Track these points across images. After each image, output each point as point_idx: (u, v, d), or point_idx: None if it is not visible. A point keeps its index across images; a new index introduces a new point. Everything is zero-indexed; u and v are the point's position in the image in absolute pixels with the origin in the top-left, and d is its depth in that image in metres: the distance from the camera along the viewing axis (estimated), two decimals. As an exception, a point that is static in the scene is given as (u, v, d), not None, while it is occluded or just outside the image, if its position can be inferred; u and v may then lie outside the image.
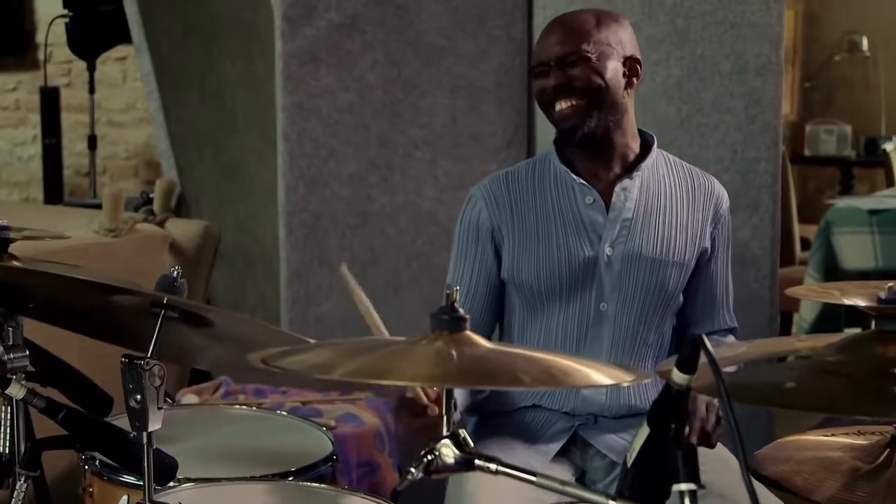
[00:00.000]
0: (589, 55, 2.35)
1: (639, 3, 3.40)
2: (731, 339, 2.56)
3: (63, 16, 5.69)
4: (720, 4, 3.33)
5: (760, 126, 3.33)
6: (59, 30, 5.86)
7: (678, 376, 1.35)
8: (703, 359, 1.33)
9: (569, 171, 2.44)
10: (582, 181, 2.43)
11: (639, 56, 2.44)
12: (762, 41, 3.30)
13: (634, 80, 2.42)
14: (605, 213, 2.42)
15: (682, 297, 2.50)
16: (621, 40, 2.40)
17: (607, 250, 2.41)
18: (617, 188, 2.43)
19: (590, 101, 2.36)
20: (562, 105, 2.38)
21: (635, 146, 2.48)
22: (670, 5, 3.38)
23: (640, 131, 2.50)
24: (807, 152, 8.02)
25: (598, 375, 1.48)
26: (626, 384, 1.48)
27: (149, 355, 1.73)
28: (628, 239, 2.42)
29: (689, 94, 3.39)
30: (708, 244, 2.49)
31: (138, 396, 1.72)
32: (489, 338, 2.45)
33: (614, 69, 2.38)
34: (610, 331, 2.42)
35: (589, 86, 2.36)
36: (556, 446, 2.39)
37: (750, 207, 3.34)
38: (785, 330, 5.20)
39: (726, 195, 2.54)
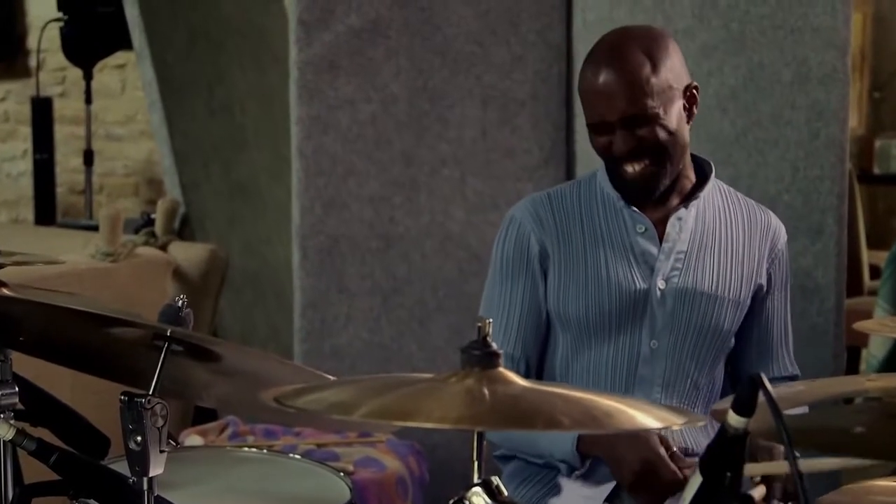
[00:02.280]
0: (656, 111, 2.34)
1: (689, 6, 3.40)
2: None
3: (57, 19, 5.73)
4: (780, 7, 3.33)
5: (825, 141, 3.32)
6: (53, 34, 5.91)
7: (734, 419, 1.34)
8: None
9: (620, 196, 2.45)
10: (634, 209, 2.45)
11: (692, 79, 2.44)
12: (827, 47, 3.30)
13: (694, 108, 2.43)
14: (658, 243, 2.44)
15: (733, 340, 2.52)
16: (678, 73, 2.39)
17: (660, 284, 2.43)
18: (672, 218, 2.45)
19: (662, 159, 2.38)
20: (634, 168, 2.38)
21: (691, 174, 2.50)
22: (724, 8, 3.38)
23: (693, 157, 2.51)
24: (876, 170, 7.97)
25: (646, 418, 1.47)
26: (676, 428, 1.47)
27: (150, 393, 1.73)
28: (682, 273, 2.44)
29: (746, 106, 3.38)
30: (763, 281, 2.51)
31: (138, 438, 1.73)
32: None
33: (678, 114, 2.39)
34: (661, 371, 2.44)
35: (660, 144, 2.36)
36: (605, 489, 2.39)
37: (813, 232, 3.33)
38: (852, 368, 5.17)
39: (784, 230, 2.56)
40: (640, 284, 2.42)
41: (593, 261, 2.43)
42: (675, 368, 2.44)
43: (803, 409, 1.98)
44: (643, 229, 2.44)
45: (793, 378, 2.58)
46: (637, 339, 2.43)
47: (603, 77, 2.36)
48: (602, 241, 2.44)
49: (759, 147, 3.37)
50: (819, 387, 1.82)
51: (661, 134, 2.35)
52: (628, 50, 2.37)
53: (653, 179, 2.39)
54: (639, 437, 2.30)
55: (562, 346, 2.48)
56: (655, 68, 2.35)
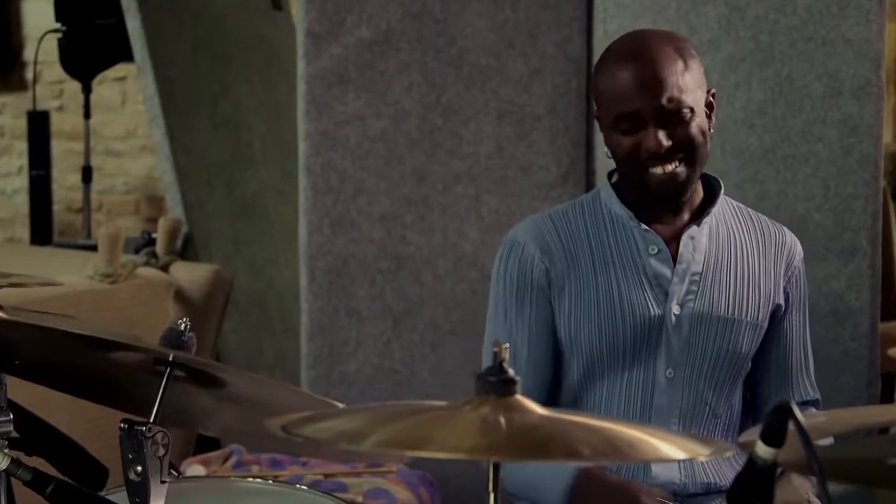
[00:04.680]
0: (692, 107, 2.33)
1: (715, 17, 3.40)
2: (812, 412, 2.54)
3: (55, 30, 5.74)
4: (810, 18, 3.33)
5: (857, 158, 3.31)
6: (51, 46, 5.92)
7: (763, 449, 1.34)
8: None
9: (630, 215, 2.43)
10: (645, 227, 2.42)
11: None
12: (859, 60, 3.30)
13: (713, 116, 2.42)
14: (671, 265, 2.42)
15: (751, 364, 2.50)
16: (701, 78, 2.39)
17: (675, 309, 2.41)
18: (684, 237, 2.43)
19: (693, 162, 2.36)
20: (664, 169, 2.34)
21: (700, 189, 2.48)
22: (752, 18, 3.37)
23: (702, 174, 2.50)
24: (912, 188, 7.97)
25: (670, 448, 1.47)
26: (702, 458, 1.47)
27: (151, 420, 1.73)
28: (698, 296, 2.42)
29: (775, 121, 3.38)
30: (782, 301, 2.49)
31: (139, 468, 1.73)
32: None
33: (705, 115, 2.38)
34: (678, 401, 2.42)
35: (695, 147, 2.35)
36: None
37: (845, 253, 3.32)
38: (887, 396, 5.15)
39: (799, 246, 2.54)
40: (655, 310, 2.40)
41: (604, 285, 2.41)
42: (693, 397, 2.42)
43: (828, 440, 1.97)
44: (656, 250, 2.41)
45: (814, 403, 2.56)
46: (652, 367, 2.41)
47: (635, 69, 2.34)
48: (612, 263, 2.42)
49: (788, 164, 3.36)
50: (852, 416, 1.82)
51: (696, 134, 2.34)
52: (658, 45, 2.37)
53: (682, 183, 2.36)
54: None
55: (572, 376, 2.47)
56: (687, 65, 2.35)
